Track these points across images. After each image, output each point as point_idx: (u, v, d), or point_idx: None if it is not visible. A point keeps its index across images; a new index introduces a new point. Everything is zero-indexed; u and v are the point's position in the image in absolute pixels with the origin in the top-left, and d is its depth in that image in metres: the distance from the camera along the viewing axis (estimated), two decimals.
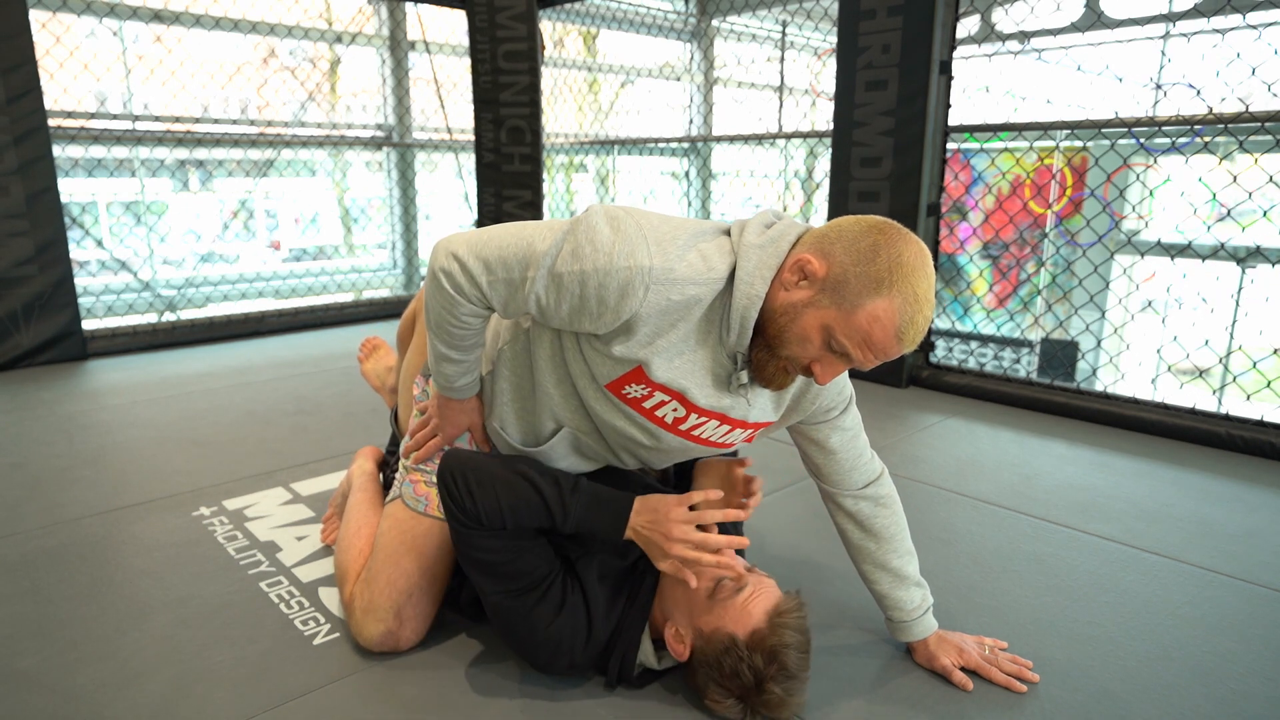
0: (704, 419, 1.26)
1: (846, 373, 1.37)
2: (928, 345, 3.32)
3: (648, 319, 1.13)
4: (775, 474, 2.31)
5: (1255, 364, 2.79)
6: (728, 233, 1.20)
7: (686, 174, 6.96)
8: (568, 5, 4.85)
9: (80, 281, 4.06)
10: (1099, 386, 2.98)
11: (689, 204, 6.94)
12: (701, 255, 1.14)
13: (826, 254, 1.11)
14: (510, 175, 4.72)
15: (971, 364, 3.46)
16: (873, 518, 1.40)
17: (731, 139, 5.45)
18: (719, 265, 1.14)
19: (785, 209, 7.61)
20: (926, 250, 1.11)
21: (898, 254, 1.07)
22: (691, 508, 1.26)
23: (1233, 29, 4.92)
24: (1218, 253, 3.32)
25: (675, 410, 1.24)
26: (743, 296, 1.13)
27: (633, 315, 1.11)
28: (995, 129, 3.20)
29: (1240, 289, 5.72)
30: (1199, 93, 4.34)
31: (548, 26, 5.75)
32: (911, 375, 3.31)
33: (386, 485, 1.77)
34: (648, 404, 1.23)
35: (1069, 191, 7.05)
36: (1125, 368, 5.63)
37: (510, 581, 1.28)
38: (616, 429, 1.28)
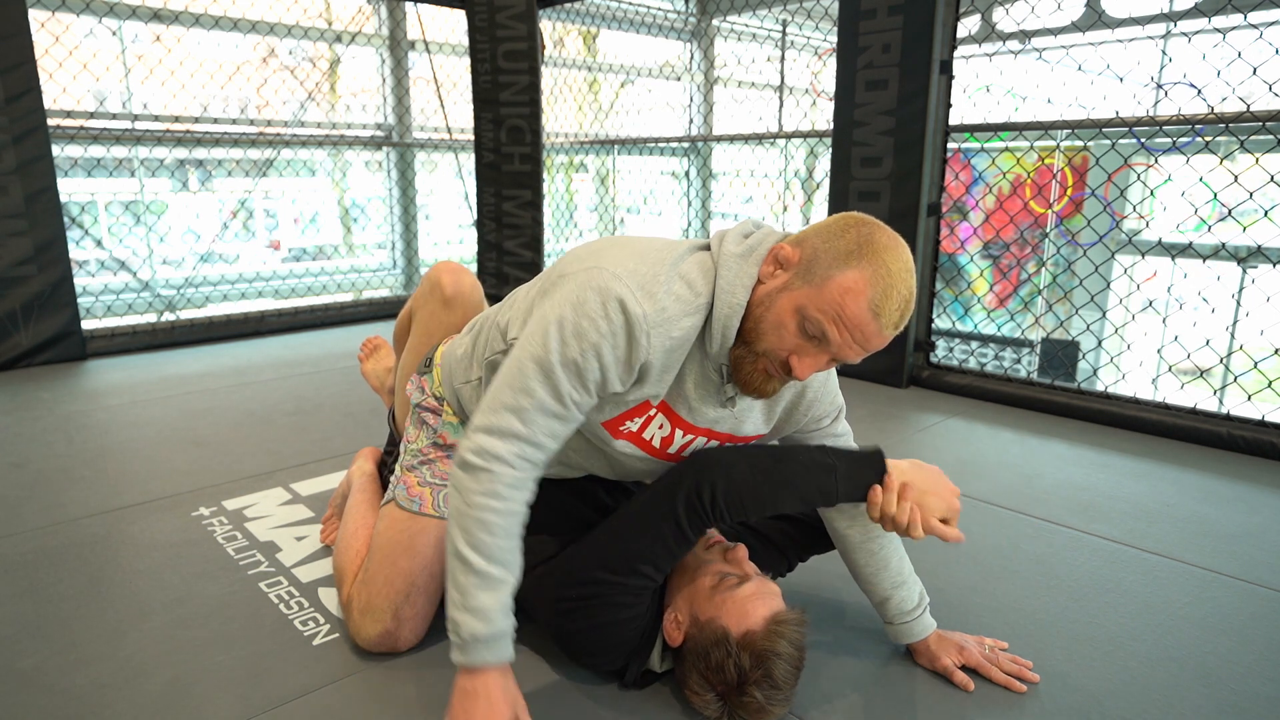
0: (691, 436, 1.26)
1: (836, 383, 1.36)
2: (928, 345, 3.31)
3: (656, 359, 1.13)
4: None
5: (1256, 364, 2.79)
6: (707, 247, 1.19)
7: (686, 174, 6.96)
8: (568, 5, 4.85)
9: (79, 281, 4.06)
10: (1100, 386, 2.98)
11: (689, 204, 6.94)
12: (686, 283, 1.13)
13: (800, 241, 1.12)
14: (510, 175, 4.71)
15: (972, 364, 3.45)
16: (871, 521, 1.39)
17: (731, 139, 5.45)
18: (703, 286, 1.14)
19: (785, 209, 7.60)
20: (904, 241, 1.11)
21: (869, 233, 1.08)
22: None
23: (1233, 29, 4.92)
24: (1219, 253, 3.32)
25: (661, 429, 1.25)
26: (724, 306, 1.13)
27: (644, 363, 1.12)
28: (996, 129, 3.20)
29: (1241, 289, 5.71)
30: (1200, 92, 4.34)
31: (548, 26, 5.75)
32: (912, 375, 3.31)
33: (385, 486, 1.77)
34: (644, 433, 1.25)
35: (1070, 191, 7.05)
36: (1126, 368, 5.63)
37: (654, 579, 1.24)
38: (610, 444, 1.28)
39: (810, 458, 1.24)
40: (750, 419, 1.29)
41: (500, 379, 1.13)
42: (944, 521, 1.23)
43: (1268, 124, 2.58)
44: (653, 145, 6.56)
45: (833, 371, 1.34)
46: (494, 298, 4.13)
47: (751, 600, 1.22)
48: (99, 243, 4.74)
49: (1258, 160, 2.81)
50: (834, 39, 5.69)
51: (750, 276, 1.13)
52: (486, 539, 1.08)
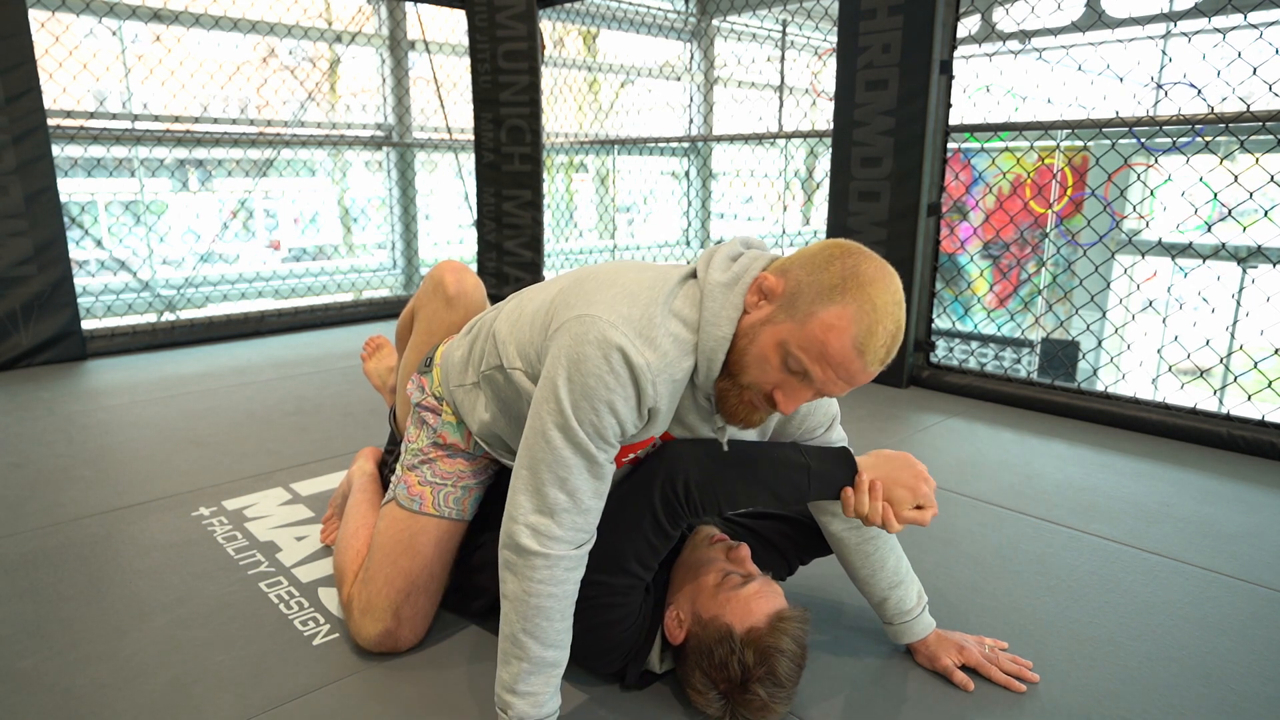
0: None
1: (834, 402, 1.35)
2: (928, 345, 3.31)
3: (663, 404, 1.13)
4: None
5: (1256, 364, 2.79)
6: (695, 274, 1.17)
7: (686, 174, 6.96)
8: (568, 5, 4.85)
9: (79, 281, 4.06)
10: (1100, 386, 2.98)
11: (689, 204, 6.94)
12: (681, 321, 1.12)
13: (784, 271, 1.09)
14: (510, 175, 4.71)
15: (972, 364, 3.45)
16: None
17: (731, 139, 5.45)
18: (696, 321, 1.12)
19: (785, 209, 7.60)
20: (892, 270, 1.07)
21: (854, 265, 1.05)
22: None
23: (1233, 29, 4.92)
24: (1218, 253, 3.32)
25: (654, 446, 1.25)
26: (709, 339, 1.11)
27: (652, 406, 1.11)
28: (995, 129, 3.20)
29: (1241, 289, 5.72)
30: (1200, 92, 4.34)
31: (548, 26, 5.75)
32: (912, 375, 3.31)
33: (386, 485, 1.77)
34: (639, 452, 1.25)
35: (1070, 191, 7.05)
36: (1126, 368, 5.63)
37: (640, 578, 1.24)
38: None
39: (784, 455, 1.25)
40: (745, 434, 1.29)
41: (529, 455, 1.12)
42: (919, 507, 1.23)
43: (1268, 124, 2.59)
44: (653, 145, 6.56)
45: None
46: (495, 297, 4.13)
47: (755, 599, 1.22)
48: (99, 243, 4.74)
49: (1258, 160, 2.81)
50: (834, 39, 5.70)
51: (735, 307, 1.11)
52: (545, 624, 1.11)
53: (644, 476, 1.22)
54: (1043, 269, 6.92)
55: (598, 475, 1.12)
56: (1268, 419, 2.58)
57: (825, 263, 1.06)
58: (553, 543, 1.10)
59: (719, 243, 1.21)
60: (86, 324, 3.81)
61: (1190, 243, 3.19)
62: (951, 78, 3.10)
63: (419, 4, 4.88)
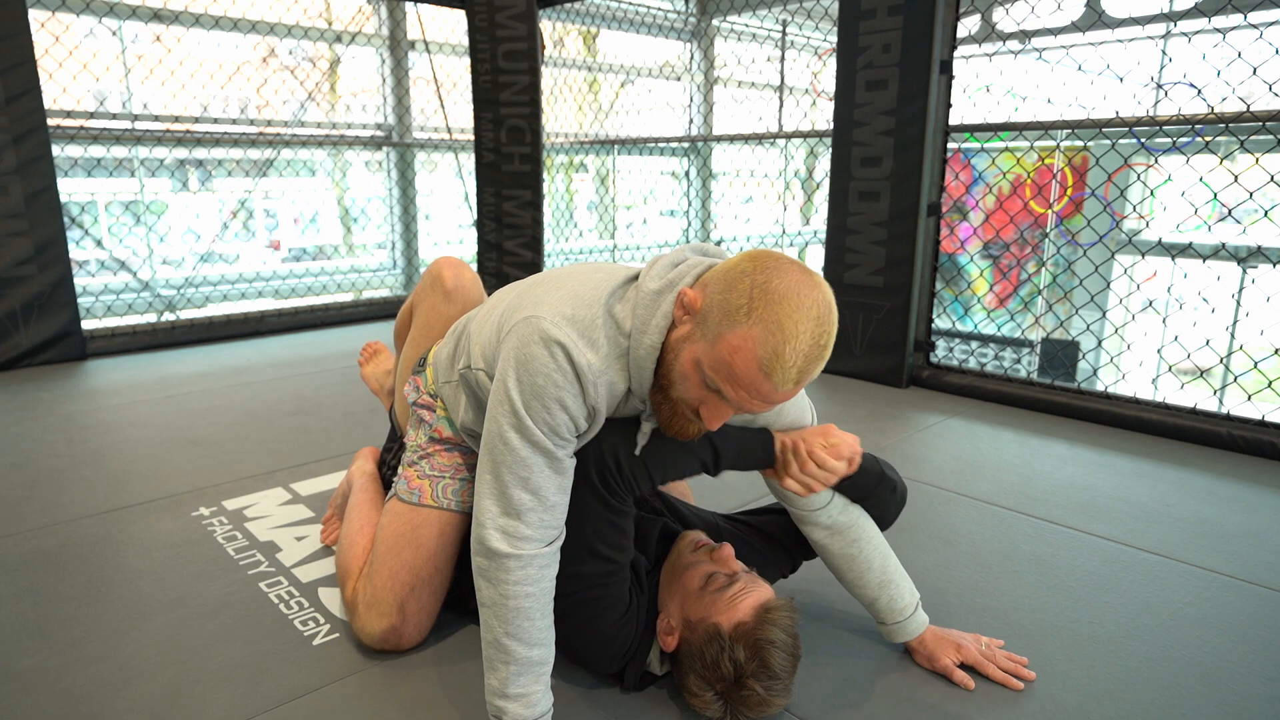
0: None
1: (807, 403, 1.34)
2: (928, 345, 3.31)
3: (603, 405, 1.14)
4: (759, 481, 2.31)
5: (1256, 364, 2.79)
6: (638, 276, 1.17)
7: (686, 174, 6.96)
8: (568, 5, 4.85)
9: (79, 281, 4.07)
10: (1100, 386, 2.98)
11: (689, 204, 6.94)
12: (617, 325, 1.13)
13: (705, 285, 1.08)
14: (510, 175, 4.72)
15: (972, 364, 3.45)
16: (849, 526, 1.37)
17: (731, 139, 5.45)
18: (630, 327, 1.13)
19: (785, 209, 7.60)
20: (812, 282, 1.03)
21: (764, 282, 1.01)
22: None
23: (1233, 29, 4.92)
24: (1219, 253, 3.32)
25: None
26: (639, 347, 1.11)
27: (594, 405, 1.12)
28: (995, 129, 3.20)
29: (1241, 289, 5.72)
30: (1200, 92, 4.34)
31: (548, 26, 5.75)
32: (912, 375, 3.30)
33: (386, 484, 1.77)
34: None
35: (1070, 191, 7.05)
36: (1126, 368, 5.63)
37: (612, 561, 1.24)
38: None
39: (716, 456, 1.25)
40: None
41: (490, 459, 1.13)
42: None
43: (1268, 124, 2.59)
44: (653, 145, 6.56)
45: (802, 394, 1.32)
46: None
47: (740, 595, 1.22)
48: (99, 243, 4.74)
49: (1258, 160, 2.81)
50: (834, 39, 5.70)
51: (665, 316, 1.10)
52: (527, 625, 1.12)
53: (581, 463, 1.22)
54: (1043, 269, 6.92)
55: (559, 471, 1.13)
56: (1268, 419, 2.58)
57: (736, 280, 1.04)
58: (523, 542, 1.11)
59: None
60: (86, 324, 3.82)
61: (1190, 243, 3.19)
62: (951, 78, 3.10)
63: (419, 4, 4.88)
